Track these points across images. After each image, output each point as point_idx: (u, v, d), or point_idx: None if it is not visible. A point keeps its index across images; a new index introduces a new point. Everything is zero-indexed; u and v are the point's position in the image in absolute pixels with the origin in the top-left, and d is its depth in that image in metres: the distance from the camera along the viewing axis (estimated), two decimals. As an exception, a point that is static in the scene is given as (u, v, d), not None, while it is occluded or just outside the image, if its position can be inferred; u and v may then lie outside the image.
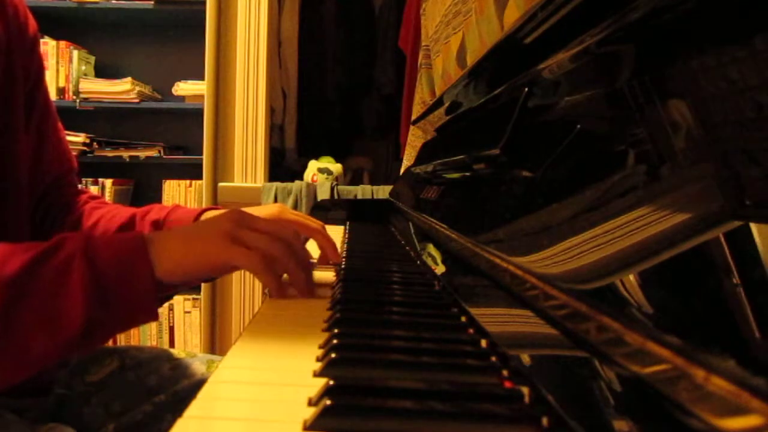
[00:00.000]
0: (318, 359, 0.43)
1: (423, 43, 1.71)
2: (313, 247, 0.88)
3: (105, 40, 2.75)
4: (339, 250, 0.88)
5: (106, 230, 0.85)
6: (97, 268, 0.53)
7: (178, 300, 2.46)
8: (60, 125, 0.88)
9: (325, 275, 0.76)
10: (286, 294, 0.63)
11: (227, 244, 0.58)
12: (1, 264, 0.51)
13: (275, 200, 2.14)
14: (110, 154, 2.57)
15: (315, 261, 0.84)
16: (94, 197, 0.93)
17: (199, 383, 0.61)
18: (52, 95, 2.49)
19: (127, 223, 0.85)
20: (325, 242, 0.82)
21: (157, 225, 0.84)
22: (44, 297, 0.52)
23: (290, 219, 0.82)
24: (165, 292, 0.61)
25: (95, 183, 2.57)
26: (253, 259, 0.58)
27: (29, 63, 0.79)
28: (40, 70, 0.83)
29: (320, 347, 0.45)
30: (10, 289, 0.50)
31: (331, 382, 0.35)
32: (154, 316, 0.56)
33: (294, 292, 0.63)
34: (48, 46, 2.52)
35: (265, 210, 0.83)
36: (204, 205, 2.23)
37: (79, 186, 0.95)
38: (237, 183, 2.24)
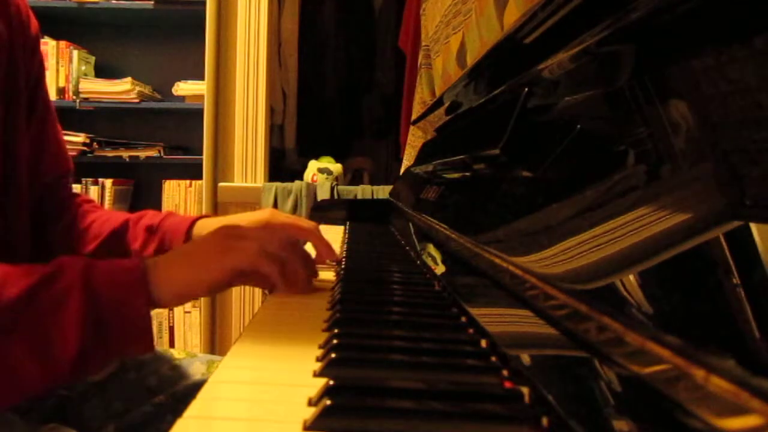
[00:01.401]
0: (318, 359, 0.43)
1: (423, 43, 1.71)
2: (309, 248, 0.88)
3: (105, 40, 2.74)
4: (339, 250, 0.88)
5: (99, 233, 0.85)
6: (94, 299, 0.52)
7: (178, 300, 2.46)
8: (59, 126, 0.88)
9: (324, 275, 0.76)
10: (289, 289, 0.63)
11: (226, 253, 0.59)
12: None
13: (275, 200, 2.14)
14: (110, 154, 2.57)
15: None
16: (86, 200, 0.94)
17: (199, 383, 0.61)
18: (52, 95, 2.49)
19: (120, 228, 0.86)
20: (319, 243, 0.83)
21: (151, 230, 0.84)
22: (39, 327, 0.50)
23: (282, 222, 0.83)
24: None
25: (95, 183, 2.57)
26: (252, 255, 0.59)
27: (31, 62, 0.79)
28: (41, 69, 0.83)
29: (320, 347, 0.45)
30: (5, 316, 0.49)
31: (331, 382, 0.35)
32: (150, 348, 0.56)
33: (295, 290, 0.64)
34: (48, 46, 2.52)
35: (254, 216, 0.84)
36: (204, 206, 2.24)
37: (74, 190, 0.96)
38: (237, 183, 2.24)
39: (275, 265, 0.60)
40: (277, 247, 0.61)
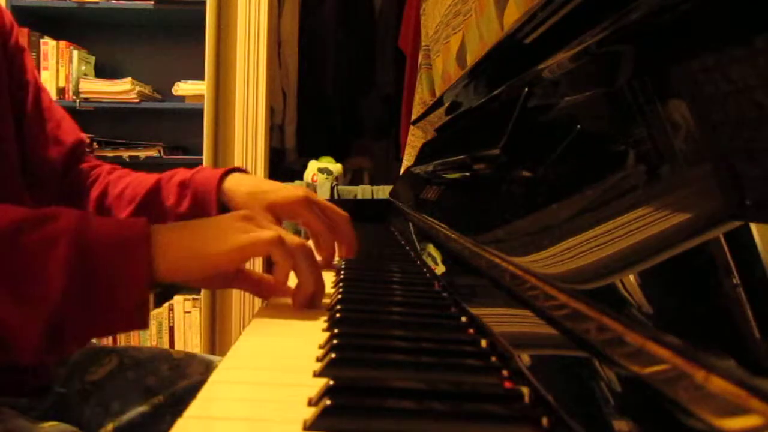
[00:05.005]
0: (318, 359, 0.43)
1: (423, 43, 1.71)
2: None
3: (105, 40, 2.74)
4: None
5: (134, 196, 0.84)
6: (85, 249, 0.48)
7: (178, 300, 2.46)
8: (56, 106, 0.89)
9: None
10: (283, 288, 0.59)
11: (241, 231, 0.54)
12: None
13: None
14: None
15: (319, 260, 0.84)
16: (116, 167, 0.94)
17: (199, 383, 0.61)
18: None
19: (154, 186, 0.84)
20: (325, 244, 0.80)
21: (183, 185, 0.83)
22: (20, 266, 0.46)
23: (317, 204, 0.78)
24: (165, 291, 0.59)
25: (95, 183, 2.57)
26: (269, 239, 0.54)
27: (10, 56, 0.80)
28: (22, 54, 0.83)
29: (320, 347, 0.45)
30: None
31: (331, 382, 0.35)
32: (141, 323, 0.49)
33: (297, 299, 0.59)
34: (48, 46, 2.52)
35: (287, 190, 0.78)
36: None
37: (98, 160, 0.96)
38: (237, 183, 2.24)
39: (289, 259, 0.55)
40: (295, 246, 0.56)
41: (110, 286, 0.48)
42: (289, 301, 0.62)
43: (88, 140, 0.94)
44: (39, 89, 0.85)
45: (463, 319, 0.52)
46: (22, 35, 2.48)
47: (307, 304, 0.58)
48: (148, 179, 0.86)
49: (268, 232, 0.55)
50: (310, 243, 0.87)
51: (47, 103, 0.86)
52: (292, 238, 0.57)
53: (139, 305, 0.49)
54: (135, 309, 0.49)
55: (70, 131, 0.89)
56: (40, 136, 0.84)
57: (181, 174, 0.85)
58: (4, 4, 2.26)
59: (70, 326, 0.48)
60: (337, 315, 0.52)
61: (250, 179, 0.83)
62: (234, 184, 0.81)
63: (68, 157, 0.88)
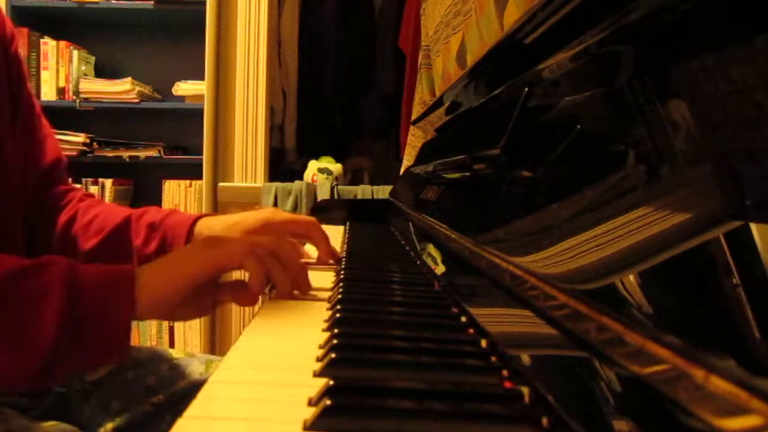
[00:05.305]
0: (318, 359, 0.43)
1: (423, 43, 1.71)
2: (312, 250, 0.88)
3: (105, 40, 2.74)
4: (339, 250, 0.88)
5: (101, 228, 0.85)
6: (76, 299, 0.51)
7: (178, 300, 2.46)
8: (45, 120, 0.89)
9: (323, 280, 0.76)
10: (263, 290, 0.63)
11: (209, 250, 0.59)
12: None
13: (275, 200, 2.14)
14: (110, 154, 2.57)
15: (314, 261, 0.84)
16: (88, 195, 0.94)
17: (198, 383, 0.61)
18: (53, 95, 2.50)
19: (123, 223, 0.85)
20: (319, 240, 0.82)
21: (153, 227, 0.84)
22: (13, 316, 0.50)
23: (282, 219, 0.84)
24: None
25: (95, 183, 2.56)
26: (237, 252, 0.58)
27: (7, 60, 0.80)
28: (20, 66, 0.84)
29: (320, 347, 0.45)
30: None
31: (331, 382, 0.35)
32: (123, 359, 0.55)
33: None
34: (48, 46, 2.52)
35: (256, 214, 0.84)
36: (204, 206, 2.24)
37: (73, 184, 0.96)
38: (237, 183, 2.24)
39: (261, 266, 0.59)
40: (265, 251, 0.60)
41: (98, 329, 0.53)
42: (288, 301, 0.62)
43: (66, 163, 0.94)
44: (32, 101, 0.86)
45: (463, 319, 0.52)
46: (21, 36, 2.48)
47: (281, 298, 0.63)
48: (118, 213, 0.87)
49: (236, 244, 0.60)
50: (308, 247, 0.88)
51: (38, 116, 0.87)
52: (262, 248, 0.60)
53: (122, 344, 0.54)
54: (117, 349, 0.54)
55: (54, 148, 0.90)
56: (33, 143, 0.84)
57: (152, 214, 0.86)
58: (3, 7, 2.26)
59: (59, 366, 0.51)
60: (337, 315, 0.52)
61: (219, 219, 0.87)
62: (205, 227, 0.84)
63: (48, 172, 0.88)
